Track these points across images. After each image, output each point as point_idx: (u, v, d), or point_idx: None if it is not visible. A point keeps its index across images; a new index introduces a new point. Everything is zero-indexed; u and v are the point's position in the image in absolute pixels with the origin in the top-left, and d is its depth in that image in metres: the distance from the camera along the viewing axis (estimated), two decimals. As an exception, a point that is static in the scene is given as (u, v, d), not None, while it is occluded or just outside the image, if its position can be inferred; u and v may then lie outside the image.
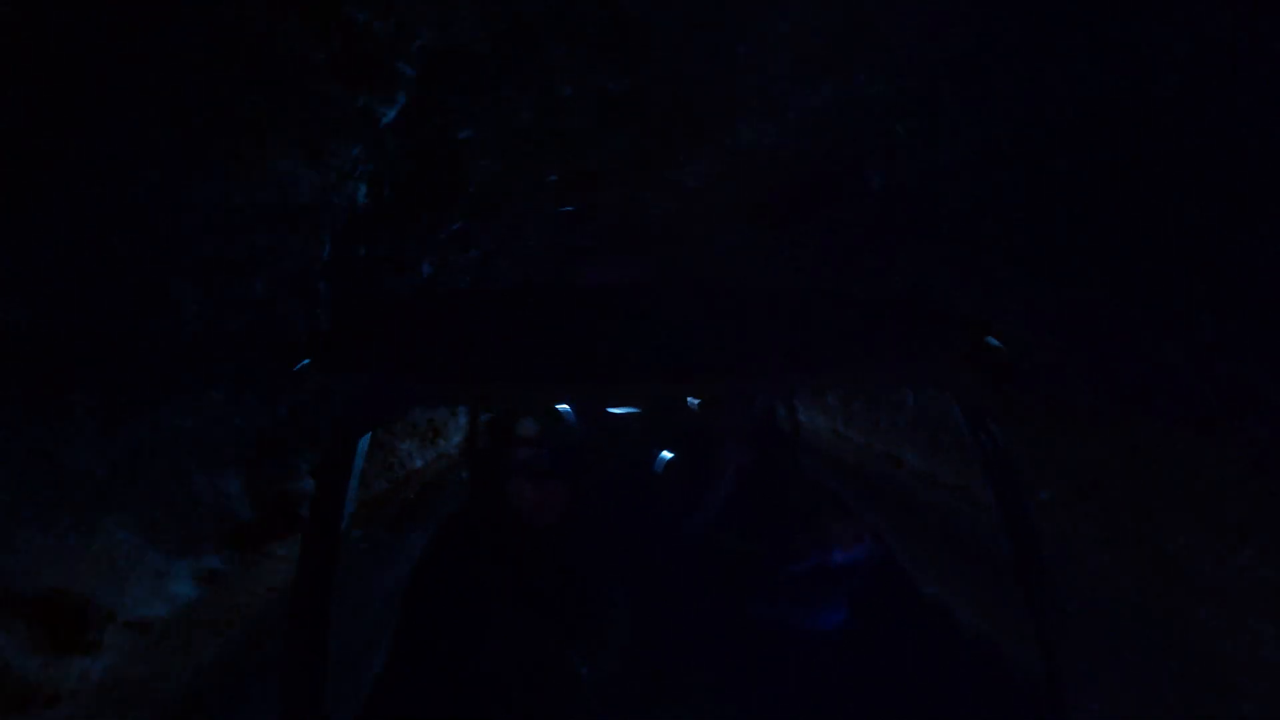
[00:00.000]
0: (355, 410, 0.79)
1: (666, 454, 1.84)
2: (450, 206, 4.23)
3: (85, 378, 1.51)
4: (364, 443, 0.84)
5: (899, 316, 1.01)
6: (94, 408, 1.50)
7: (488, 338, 0.84)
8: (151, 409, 1.63)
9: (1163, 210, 2.18)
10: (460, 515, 1.30)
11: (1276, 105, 1.55)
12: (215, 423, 1.92)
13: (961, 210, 3.48)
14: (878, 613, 1.36)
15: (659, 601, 1.30)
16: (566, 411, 1.23)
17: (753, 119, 4.30)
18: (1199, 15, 1.60)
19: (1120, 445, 2.53)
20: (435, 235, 4.52)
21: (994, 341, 0.87)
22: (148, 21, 1.33)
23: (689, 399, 2.08)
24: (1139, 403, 2.44)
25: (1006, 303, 2.94)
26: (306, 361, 0.76)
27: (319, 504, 0.80)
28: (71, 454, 1.49)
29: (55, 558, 1.47)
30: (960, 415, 0.92)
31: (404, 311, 1.17)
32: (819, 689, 1.18)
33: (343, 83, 1.92)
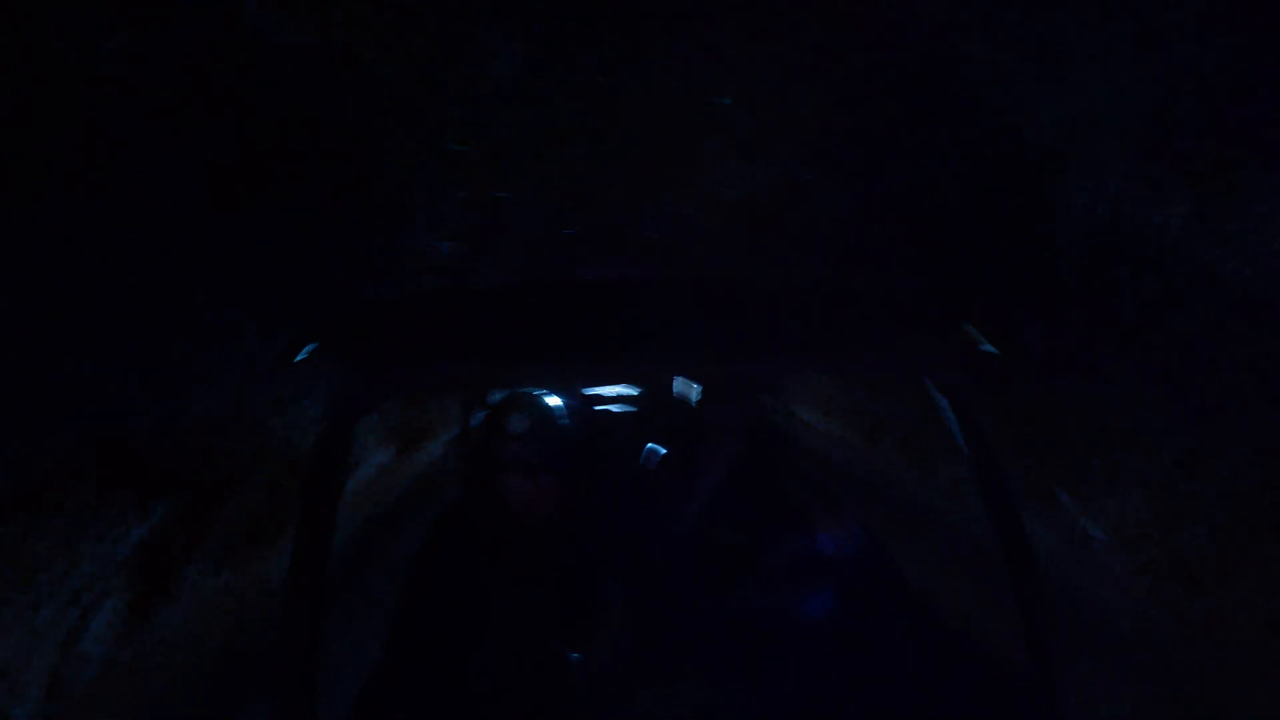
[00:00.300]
0: (351, 397, 0.79)
1: (658, 449, 1.82)
2: (492, 250, 4.79)
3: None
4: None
5: (885, 309, 1.01)
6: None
7: (477, 329, 0.83)
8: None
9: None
10: (454, 511, 1.29)
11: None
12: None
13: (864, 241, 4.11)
14: (864, 601, 1.41)
15: (652, 594, 1.29)
16: (558, 408, 1.21)
17: (719, 183, 4.86)
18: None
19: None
20: (481, 270, 5.09)
21: (975, 334, 0.85)
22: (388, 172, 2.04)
23: (682, 395, 2.06)
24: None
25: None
26: (313, 345, 0.75)
27: (313, 491, 0.76)
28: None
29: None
30: (946, 408, 0.90)
31: (398, 307, 1.14)
32: (807, 677, 1.19)
33: (448, 184, 2.84)
